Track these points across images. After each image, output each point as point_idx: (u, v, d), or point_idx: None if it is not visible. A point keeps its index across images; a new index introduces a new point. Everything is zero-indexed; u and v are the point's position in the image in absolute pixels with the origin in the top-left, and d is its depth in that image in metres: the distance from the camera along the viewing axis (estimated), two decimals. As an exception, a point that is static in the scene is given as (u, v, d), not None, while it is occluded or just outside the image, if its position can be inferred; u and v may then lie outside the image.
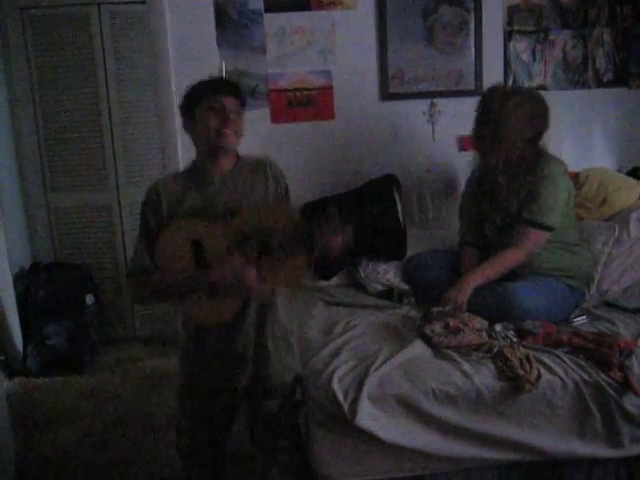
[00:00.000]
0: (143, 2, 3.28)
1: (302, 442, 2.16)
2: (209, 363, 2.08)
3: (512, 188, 2.65)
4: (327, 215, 1.95)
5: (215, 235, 1.95)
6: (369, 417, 2.04)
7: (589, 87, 3.52)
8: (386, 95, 3.34)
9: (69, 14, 3.98)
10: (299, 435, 2.16)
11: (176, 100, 3.07)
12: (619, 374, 2.14)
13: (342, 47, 3.26)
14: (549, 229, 2.63)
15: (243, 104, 2.09)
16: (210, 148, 2.03)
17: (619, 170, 3.52)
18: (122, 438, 3.10)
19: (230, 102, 2.02)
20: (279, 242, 1.94)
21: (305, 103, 3.28)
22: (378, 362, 2.16)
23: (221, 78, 2.22)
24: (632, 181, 3.30)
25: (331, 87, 3.28)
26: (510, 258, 2.63)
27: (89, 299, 4.06)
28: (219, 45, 3.17)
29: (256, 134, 3.22)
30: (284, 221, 1.97)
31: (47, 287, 3.96)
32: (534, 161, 2.65)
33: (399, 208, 3.03)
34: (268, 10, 3.18)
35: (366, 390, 2.05)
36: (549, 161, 2.66)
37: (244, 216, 1.97)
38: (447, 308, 2.46)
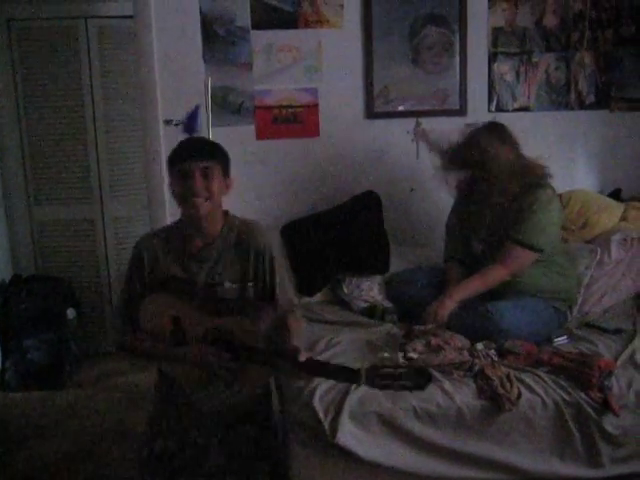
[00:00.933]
0: (130, 17, 3.28)
1: (279, 462, 2.15)
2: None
3: (502, 208, 2.66)
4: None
5: (193, 321, 2.04)
6: (349, 435, 2.03)
7: (572, 109, 3.56)
8: (371, 114, 3.36)
9: (56, 27, 3.96)
10: (276, 456, 2.15)
11: (161, 115, 3.10)
12: (599, 394, 2.16)
13: (328, 65, 3.29)
14: (537, 251, 2.63)
15: (219, 159, 2.09)
16: (186, 216, 2.09)
17: (601, 192, 3.55)
18: (103, 454, 3.06)
19: (201, 167, 2.02)
20: (248, 351, 2.02)
21: (290, 120, 3.29)
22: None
23: (197, 141, 2.22)
24: (614, 203, 3.33)
25: (316, 105, 3.30)
26: (493, 275, 2.63)
27: (70, 313, 4.02)
28: (205, 61, 3.18)
29: (241, 150, 3.24)
30: (256, 334, 2.06)
31: (28, 300, 3.91)
32: (525, 182, 2.65)
33: (383, 223, 3.05)
34: (255, 27, 3.21)
35: (347, 408, 2.05)
36: (542, 185, 2.67)
37: (223, 317, 2.07)
38: (429, 326, 2.47)
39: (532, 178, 2.66)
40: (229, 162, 2.14)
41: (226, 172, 2.11)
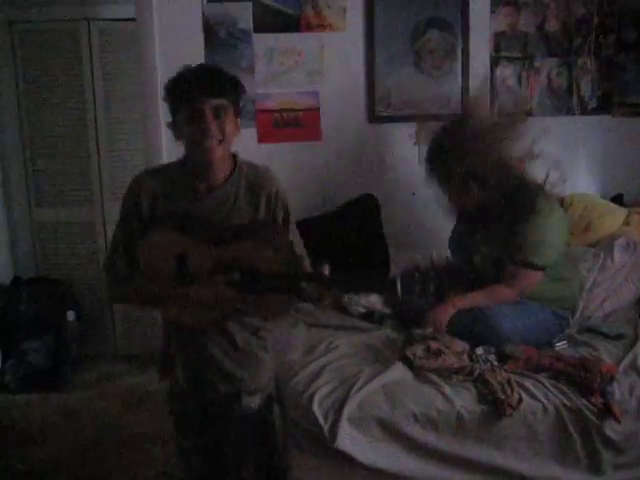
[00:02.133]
0: (133, 19, 3.29)
1: (279, 466, 2.14)
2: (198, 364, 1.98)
3: (500, 223, 2.63)
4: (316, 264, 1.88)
5: (201, 255, 1.84)
6: (349, 440, 2.02)
7: (574, 114, 3.55)
8: (373, 117, 3.36)
9: (58, 29, 3.98)
10: (276, 460, 2.14)
11: (163, 118, 3.09)
12: (600, 400, 2.14)
13: (330, 69, 3.29)
14: (542, 269, 2.59)
15: (233, 97, 1.85)
16: (196, 161, 1.87)
17: (603, 197, 3.54)
18: (101, 456, 3.06)
19: (211, 106, 1.79)
20: (265, 278, 1.84)
21: (292, 124, 3.29)
22: (359, 384, 2.15)
23: (198, 72, 1.85)
24: (616, 207, 3.32)
25: (318, 108, 3.30)
26: (501, 295, 2.59)
27: (70, 315, 4.02)
28: (207, 64, 3.18)
29: (242, 153, 3.23)
30: (274, 257, 1.84)
31: (28, 302, 3.92)
32: (520, 194, 2.61)
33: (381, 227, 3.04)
34: (257, 30, 3.21)
35: (346, 412, 2.04)
36: (538, 195, 2.62)
37: (233, 245, 1.85)
38: (428, 331, 2.46)
39: (526, 181, 2.64)
40: (241, 98, 1.91)
41: (238, 111, 1.89)
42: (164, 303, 1.90)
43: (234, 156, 1.95)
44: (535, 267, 2.57)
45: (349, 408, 2.05)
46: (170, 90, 1.85)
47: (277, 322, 2.08)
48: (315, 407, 2.05)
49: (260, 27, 3.20)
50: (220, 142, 1.81)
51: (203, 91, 1.79)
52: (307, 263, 2.00)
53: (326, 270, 1.85)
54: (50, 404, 3.63)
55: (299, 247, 2.03)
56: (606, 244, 3.08)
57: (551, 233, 2.61)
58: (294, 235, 2.03)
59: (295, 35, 3.24)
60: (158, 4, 3.12)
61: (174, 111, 1.85)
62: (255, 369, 2.02)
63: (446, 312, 2.55)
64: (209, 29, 3.17)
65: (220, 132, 1.80)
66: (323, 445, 2.03)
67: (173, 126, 1.88)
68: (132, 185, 1.92)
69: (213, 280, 1.83)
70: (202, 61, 3.15)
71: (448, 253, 2.98)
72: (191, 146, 1.84)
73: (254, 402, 2.01)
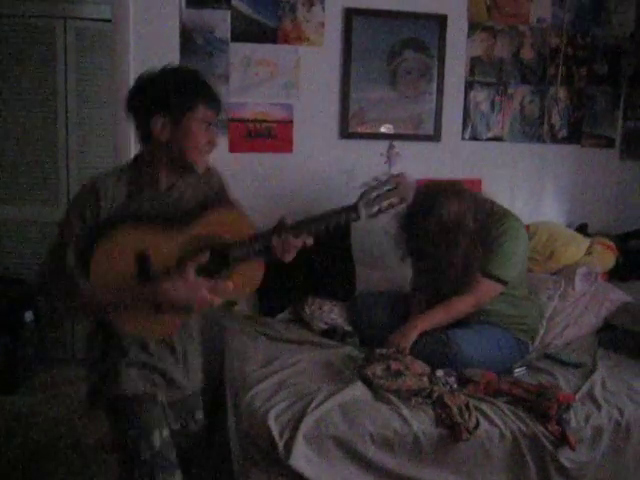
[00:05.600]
0: (109, 21, 3.25)
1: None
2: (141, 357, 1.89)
3: (469, 245, 2.65)
4: (282, 224, 1.85)
5: (165, 246, 1.73)
6: (303, 458, 1.99)
7: (544, 142, 3.60)
8: (345, 133, 3.36)
9: (34, 25, 3.93)
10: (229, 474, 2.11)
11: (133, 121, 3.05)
12: (556, 427, 2.15)
13: (305, 82, 3.28)
14: (504, 283, 2.64)
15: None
16: (179, 164, 1.81)
17: (568, 226, 3.59)
18: (53, 463, 2.99)
19: (216, 119, 1.82)
20: (236, 254, 1.79)
21: (264, 135, 3.27)
22: (316, 401, 2.12)
23: (204, 79, 1.81)
24: (580, 237, 3.36)
25: (291, 121, 3.29)
26: (459, 306, 2.64)
27: (28, 316, 3.94)
28: (182, 70, 3.15)
29: (212, 162, 3.21)
30: (241, 230, 1.81)
31: (-16, 301, 3.84)
32: (490, 218, 2.66)
33: (349, 245, 3.03)
34: (235, 39, 3.19)
35: (302, 430, 2.01)
36: (507, 216, 2.69)
37: (198, 226, 1.78)
38: (390, 351, 2.45)
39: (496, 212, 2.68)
40: None
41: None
42: (122, 309, 1.74)
43: None
44: (497, 279, 2.63)
45: (305, 425, 2.02)
46: (178, 85, 1.76)
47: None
48: (271, 423, 2.02)
49: (237, 36, 3.19)
50: (209, 153, 1.84)
51: (216, 106, 1.80)
52: None
53: (287, 220, 1.85)
54: (1, 407, 3.54)
55: None
56: (568, 272, 3.12)
57: (516, 252, 2.66)
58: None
59: (272, 46, 3.23)
60: (135, 7, 3.09)
61: (170, 109, 1.75)
62: (194, 374, 2.03)
63: (410, 336, 2.55)
64: (186, 35, 3.14)
65: (214, 145, 1.83)
66: (277, 461, 1.99)
67: (146, 130, 1.79)
68: (90, 186, 1.77)
69: (183, 270, 1.69)
70: (177, 67, 3.12)
71: (409, 270, 2.98)
72: (188, 152, 1.78)
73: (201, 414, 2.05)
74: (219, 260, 1.77)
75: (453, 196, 2.61)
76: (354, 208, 1.88)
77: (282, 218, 1.85)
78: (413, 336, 2.55)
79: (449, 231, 2.57)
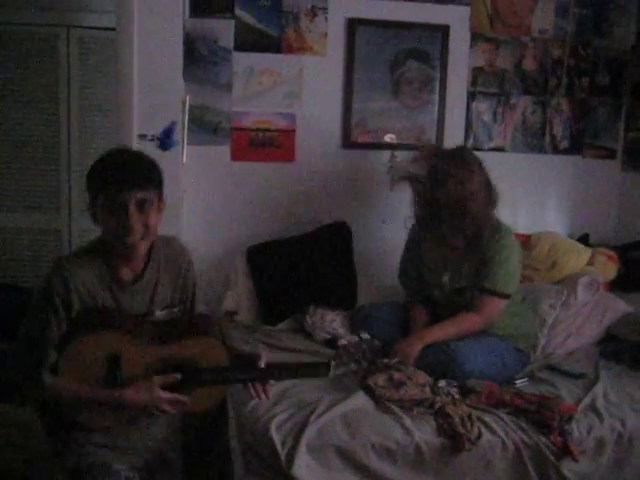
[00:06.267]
0: (113, 29, 3.26)
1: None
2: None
3: (466, 257, 2.67)
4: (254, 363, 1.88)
5: (135, 355, 1.76)
6: (305, 468, 1.98)
7: (545, 152, 3.61)
8: (348, 143, 3.37)
9: (37, 34, 3.94)
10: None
11: (136, 129, 3.06)
12: (559, 438, 2.14)
13: (308, 92, 3.29)
14: (508, 297, 2.64)
15: (160, 191, 1.78)
16: (117, 247, 1.77)
17: (570, 236, 3.59)
18: (50, 473, 2.96)
19: (137, 199, 1.69)
20: (205, 379, 1.83)
21: (267, 144, 3.28)
22: (318, 411, 2.12)
23: (128, 161, 1.78)
24: (581, 247, 3.37)
25: (294, 130, 3.30)
26: (468, 324, 2.62)
27: (28, 324, 3.92)
28: (185, 79, 3.15)
29: (215, 170, 3.22)
30: (215, 357, 1.84)
31: (-16, 308, 3.83)
32: (488, 229, 2.65)
33: (352, 255, 3.03)
34: (238, 49, 3.20)
35: (304, 439, 2.00)
36: (501, 228, 2.68)
37: (173, 346, 1.81)
38: (392, 361, 2.44)
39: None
40: (163, 181, 1.82)
41: (161, 195, 1.80)
42: (86, 407, 1.77)
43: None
44: (501, 295, 2.62)
45: (307, 435, 2.01)
46: (90, 176, 1.78)
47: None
48: (273, 432, 2.01)
49: (241, 46, 3.20)
50: (143, 237, 1.75)
51: (126, 183, 1.69)
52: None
53: (262, 361, 1.87)
54: (4, 416, 3.52)
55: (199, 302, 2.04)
56: (570, 282, 3.12)
57: (514, 265, 2.66)
58: (198, 298, 2.03)
59: (275, 56, 3.24)
60: (139, 16, 3.09)
61: (93, 196, 1.76)
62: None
63: (415, 347, 2.54)
64: (189, 44, 3.15)
65: (144, 227, 1.73)
66: (279, 471, 1.99)
67: (92, 210, 1.78)
68: (59, 272, 1.74)
69: (149, 381, 1.75)
70: (180, 75, 3.13)
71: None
72: (113, 239, 1.75)
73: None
74: (185, 379, 1.80)
75: (460, 165, 2.62)
76: (326, 366, 1.95)
77: (258, 357, 1.89)
78: (419, 347, 2.53)
79: (458, 200, 2.57)
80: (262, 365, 1.87)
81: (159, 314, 1.89)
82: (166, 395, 1.74)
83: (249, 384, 1.88)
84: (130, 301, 1.83)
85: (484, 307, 2.62)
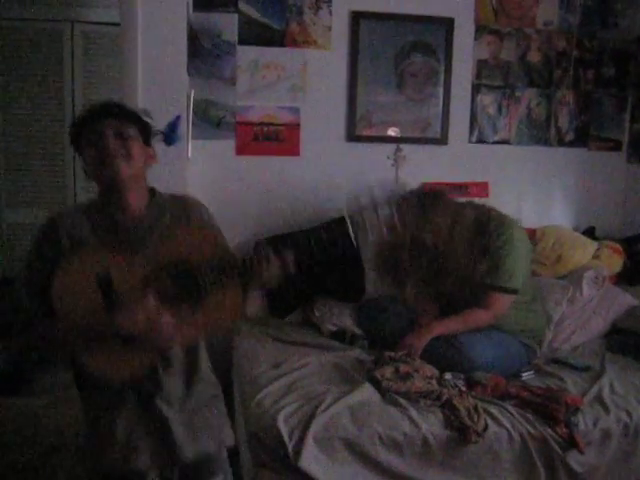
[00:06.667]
0: (117, 24, 3.26)
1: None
2: (122, 432, 1.70)
3: (469, 255, 2.65)
4: (260, 246, 1.68)
5: (127, 268, 1.58)
6: (313, 459, 1.99)
7: (551, 145, 3.60)
8: (352, 136, 3.37)
9: (42, 29, 3.94)
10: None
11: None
12: (565, 430, 2.15)
13: (312, 85, 3.29)
14: (514, 292, 2.65)
15: (136, 124, 1.71)
16: (105, 184, 1.69)
17: (575, 229, 3.58)
18: (58, 466, 2.98)
19: (113, 127, 1.66)
20: (207, 274, 1.57)
21: (271, 138, 3.28)
22: (326, 403, 2.13)
23: (103, 103, 1.73)
24: (587, 241, 3.36)
25: (298, 124, 3.30)
26: (477, 319, 2.63)
27: (35, 319, 3.94)
28: (190, 73, 3.16)
29: (220, 165, 3.22)
30: (211, 250, 1.61)
31: (-8, 304, 3.84)
32: (489, 226, 2.66)
33: (359, 248, 3.03)
34: (242, 43, 3.20)
35: (312, 431, 2.01)
36: (508, 224, 2.67)
37: (163, 246, 1.62)
38: (399, 353, 2.45)
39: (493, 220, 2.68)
40: (150, 130, 1.78)
41: (147, 140, 1.74)
42: (90, 342, 1.59)
43: (152, 189, 1.78)
44: (509, 291, 2.63)
45: (315, 427, 2.02)
46: (73, 124, 1.73)
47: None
48: (280, 424, 2.02)
49: (245, 40, 3.20)
50: (127, 161, 1.65)
51: (103, 114, 1.68)
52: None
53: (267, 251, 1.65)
54: (9, 409, 3.54)
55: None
56: (575, 277, 3.11)
57: (521, 260, 2.66)
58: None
59: (279, 50, 3.24)
60: (143, 10, 3.08)
61: (82, 148, 1.70)
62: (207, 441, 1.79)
63: (423, 338, 2.55)
64: (193, 38, 3.15)
65: (125, 150, 1.66)
66: (286, 463, 1.99)
67: (84, 164, 1.72)
68: (48, 225, 1.70)
69: (142, 300, 1.55)
70: (184, 69, 3.13)
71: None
72: (97, 170, 1.67)
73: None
74: (188, 287, 1.57)
75: (439, 210, 2.61)
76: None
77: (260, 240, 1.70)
78: (427, 339, 2.55)
79: (443, 243, 2.58)
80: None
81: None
82: (165, 311, 1.56)
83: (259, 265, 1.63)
84: (129, 236, 1.68)
85: (491, 303, 2.63)
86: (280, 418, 2.04)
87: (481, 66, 3.46)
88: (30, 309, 1.65)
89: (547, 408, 2.21)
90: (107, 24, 3.86)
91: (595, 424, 2.20)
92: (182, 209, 1.77)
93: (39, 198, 4.11)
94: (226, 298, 1.60)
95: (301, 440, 1.99)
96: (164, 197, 1.78)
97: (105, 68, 3.98)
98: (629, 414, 2.25)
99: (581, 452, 2.13)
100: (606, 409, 2.26)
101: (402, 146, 3.35)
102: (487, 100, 3.49)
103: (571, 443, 2.13)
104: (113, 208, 1.71)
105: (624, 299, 3.09)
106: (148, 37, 3.11)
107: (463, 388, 2.33)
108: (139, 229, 1.69)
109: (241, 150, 3.27)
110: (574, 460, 2.13)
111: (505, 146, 3.54)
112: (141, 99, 3.10)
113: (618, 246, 3.36)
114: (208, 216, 1.82)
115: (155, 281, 1.58)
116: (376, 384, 2.29)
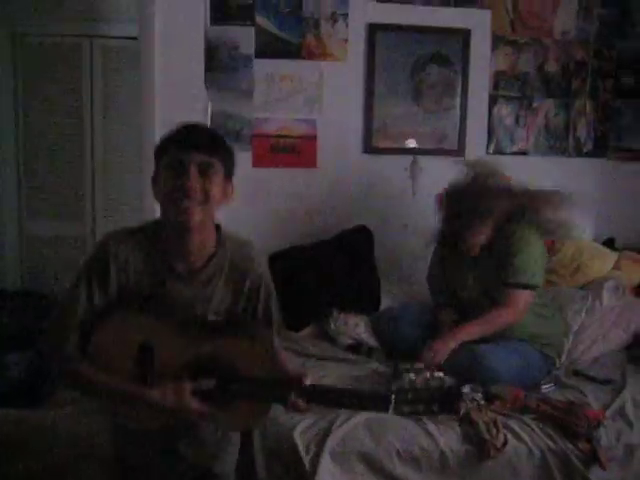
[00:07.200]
0: (135, 39, 3.29)
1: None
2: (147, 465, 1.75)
3: (489, 257, 2.65)
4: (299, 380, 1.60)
5: (170, 347, 1.59)
6: (329, 474, 1.98)
7: (569, 155, 3.57)
8: (369, 148, 3.36)
9: (61, 44, 3.99)
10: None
11: (159, 137, 3.08)
12: (586, 445, 2.11)
13: (329, 97, 3.29)
14: (533, 287, 2.61)
15: (224, 155, 1.59)
16: (170, 221, 1.58)
17: (595, 240, 3.54)
18: (76, 477, 2.98)
19: (199, 162, 1.53)
20: (242, 391, 1.60)
21: (288, 150, 3.29)
22: (342, 418, 2.11)
23: (197, 127, 1.64)
24: (606, 251, 3.32)
25: (315, 136, 3.30)
26: (499, 319, 2.60)
27: (54, 331, 3.96)
28: (207, 86, 3.18)
29: (236, 176, 3.21)
30: (257, 364, 1.60)
31: (12, 315, 3.86)
32: (507, 229, 2.66)
33: (374, 259, 3.02)
34: (259, 56, 3.22)
35: (328, 446, 2.00)
36: (521, 226, 2.67)
37: (212, 340, 1.61)
38: (417, 366, 2.42)
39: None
40: (234, 162, 1.65)
41: (229, 174, 1.62)
42: (114, 398, 1.61)
43: (218, 227, 1.67)
44: (529, 287, 2.61)
45: (331, 442, 2.01)
46: (158, 145, 1.62)
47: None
48: (297, 438, 2.01)
49: (261, 52, 3.22)
50: (202, 204, 1.54)
51: (189, 143, 1.55)
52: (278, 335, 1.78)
53: (307, 380, 1.60)
54: (28, 420, 3.55)
55: (278, 326, 1.78)
56: (595, 287, 3.08)
57: (534, 255, 2.64)
58: (278, 320, 1.78)
59: (295, 62, 3.25)
60: (161, 24, 3.13)
61: (157, 162, 1.60)
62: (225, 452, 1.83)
63: (448, 346, 2.52)
64: (211, 52, 3.18)
65: (203, 193, 1.53)
66: (302, 478, 1.98)
67: (154, 183, 1.62)
68: (102, 247, 1.60)
69: (179, 385, 1.56)
70: (202, 82, 3.15)
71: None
72: (167, 206, 1.57)
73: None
74: (221, 387, 1.60)
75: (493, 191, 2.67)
76: (385, 400, 1.59)
77: (303, 375, 1.61)
78: (452, 345, 2.52)
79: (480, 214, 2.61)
80: (307, 383, 1.60)
81: (212, 319, 1.66)
82: (196, 405, 1.56)
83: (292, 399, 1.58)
84: (180, 295, 1.61)
85: (511, 300, 2.60)
86: (296, 433, 2.03)
87: (498, 77, 3.45)
88: (69, 355, 1.59)
89: (568, 422, 2.18)
90: (126, 38, 3.89)
91: (618, 439, 2.17)
92: (244, 263, 1.67)
93: (58, 211, 4.15)
94: (252, 405, 1.64)
95: (317, 455, 1.98)
96: (230, 242, 1.68)
97: (124, 82, 4.01)
98: (653, 429, 2.21)
99: (603, 468, 2.09)
100: (629, 424, 2.23)
101: (419, 158, 3.34)
102: (505, 111, 3.48)
103: (593, 459, 2.10)
104: (172, 253, 1.61)
105: (646, 311, 3.04)
106: (166, 51, 3.15)
107: (482, 402, 2.30)
108: (192, 289, 1.62)
109: (258, 162, 3.28)
110: (596, 477, 2.09)
111: (523, 157, 3.52)
112: (159, 112, 3.13)
113: (639, 257, 3.31)
114: (265, 276, 1.72)
115: (196, 372, 1.59)
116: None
